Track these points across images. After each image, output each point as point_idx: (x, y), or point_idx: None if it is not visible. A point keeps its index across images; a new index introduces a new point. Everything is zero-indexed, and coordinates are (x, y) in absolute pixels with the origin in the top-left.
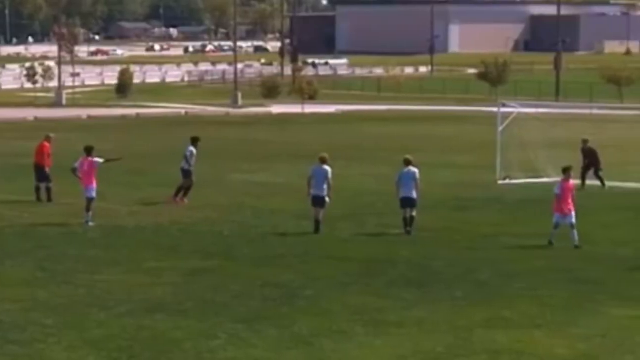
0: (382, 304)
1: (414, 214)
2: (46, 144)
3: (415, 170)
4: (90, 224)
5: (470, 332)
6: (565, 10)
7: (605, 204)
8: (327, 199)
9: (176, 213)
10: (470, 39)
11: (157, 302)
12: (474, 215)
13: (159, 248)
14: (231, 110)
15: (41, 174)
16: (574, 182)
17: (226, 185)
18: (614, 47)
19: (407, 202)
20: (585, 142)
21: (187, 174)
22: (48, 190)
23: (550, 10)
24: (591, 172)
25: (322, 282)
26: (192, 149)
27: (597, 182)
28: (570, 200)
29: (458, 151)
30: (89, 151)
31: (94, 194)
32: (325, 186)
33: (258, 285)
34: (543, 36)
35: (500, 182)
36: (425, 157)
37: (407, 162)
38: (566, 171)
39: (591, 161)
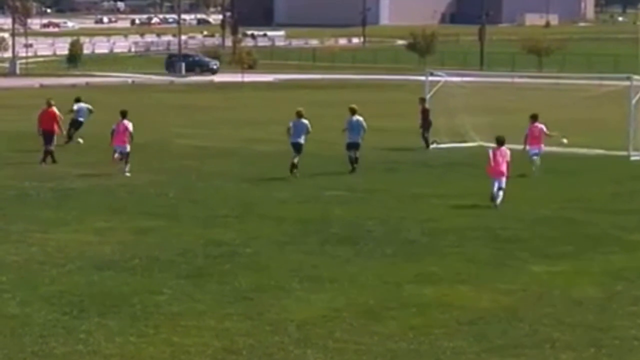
0: (317, 260)
1: (357, 155)
2: (52, 110)
3: (361, 118)
4: (127, 174)
5: (400, 287)
6: None
7: (520, 166)
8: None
9: (124, 176)
10: (399, 12)
11: (106, 260)
12: (403, 177)
13: (108, 209)
14: (175, 79)
15: (48, 138)
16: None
17: (171, 149)
18: (534, 19)
19: (353, 146)
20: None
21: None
22: (50, 153)
23: None
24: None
25: (261, 240)
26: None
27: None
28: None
29: (388, 117)
30: (124, 115)
31: (128, 149)
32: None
33: (201, 244)
34: (468, 9)
35: (432, 146)
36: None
37: (353, 111)
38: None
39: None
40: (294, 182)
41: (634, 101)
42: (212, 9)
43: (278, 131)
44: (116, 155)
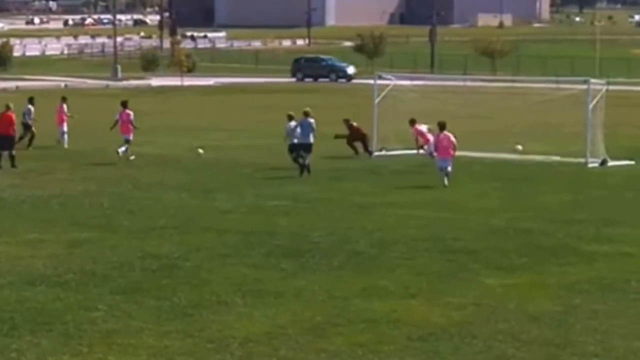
0: (260, 274)
1: (308, 157)
2: (11, 114)
3: (312, 120)
4: (132, 157)
5: (348, 301)
6: None
7: (474, 173)
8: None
9: (55, 185)
10: (346, 12)
11: (38, 274)
12: (350, 186)
13: (39, 220)
14: (111, 83)
15: (7, 143)
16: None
17: (106, 157)
18: (487, 20)
19: (307, 147)
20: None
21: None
22: (12, 157)
23: None
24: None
25: (202, 253)
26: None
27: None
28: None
29: (335, 123)
30: (125, 105)
31: (131, 137)
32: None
33: (138, 257)
34: (418, 9)
35: (375, 153)
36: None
37: (306, 114)
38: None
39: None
40: (236, 191)
41: (591, 106)
42: (149, 9)
43: (219, 138)
44: (122, 149)
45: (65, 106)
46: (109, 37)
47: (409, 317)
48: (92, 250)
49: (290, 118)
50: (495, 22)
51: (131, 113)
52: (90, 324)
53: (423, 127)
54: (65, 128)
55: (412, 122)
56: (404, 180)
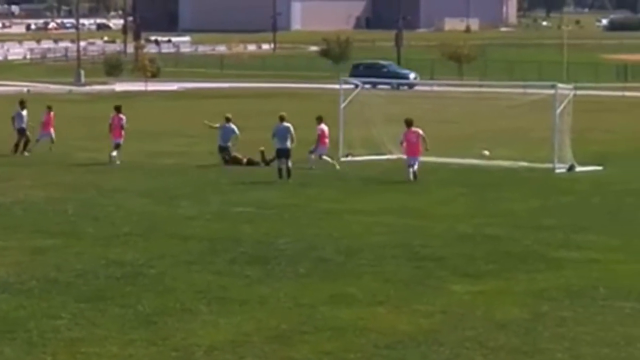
0: (225, 281)
1: (290, 165)
2: None
3: (289, 125)
4: (117, 162)
5: (314, 309)
6: None
7: (441, 179)
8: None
9: (18, 192)
10: (312, 17)
11: (0, 282)
12: (316, 192)
13: (1, 227)
14: (74, 88)
15: None
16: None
17: (69, 163)
18: (454, 24)
19: (283, 153)
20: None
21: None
22: None
23: None
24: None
25: (166, 260)
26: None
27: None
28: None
29: (300, 128)
30: (118, 109)
31: (120, 141)
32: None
33: (102, 264)
34: (384, 13)
35: (342, 158)
36: (267, 133)
37: (282, 118)
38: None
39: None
40: (201, 198)
41: (558, 111)
42: (112, 13)
43: (183, 143)
44: (113, 153)
45: (52, 114)
46: (72, 41)
47: (376, 325)
48: (56, 257)
49: (228, 120)
50: (462, 26)
51: (123, 117)
52: (53, 332)
53: (325, 128)
54: (52, 135)
55: (319, 120)
56: (371, 187)
